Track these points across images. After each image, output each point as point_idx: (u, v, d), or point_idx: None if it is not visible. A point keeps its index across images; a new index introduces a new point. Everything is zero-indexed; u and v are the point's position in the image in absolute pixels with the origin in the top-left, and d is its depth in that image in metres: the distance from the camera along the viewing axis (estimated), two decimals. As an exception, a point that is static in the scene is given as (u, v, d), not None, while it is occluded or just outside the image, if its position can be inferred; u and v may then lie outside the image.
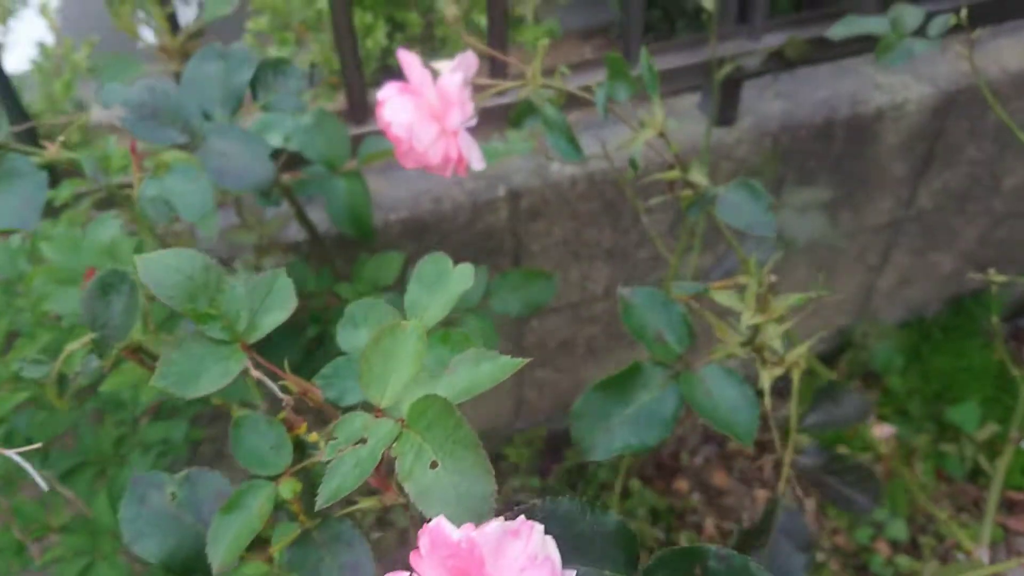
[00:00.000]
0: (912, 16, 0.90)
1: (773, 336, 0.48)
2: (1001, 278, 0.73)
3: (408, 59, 0.66)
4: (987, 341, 1.75)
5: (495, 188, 1.17)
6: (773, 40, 1.15)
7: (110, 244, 0.57)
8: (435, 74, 0.64)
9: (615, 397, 0.48)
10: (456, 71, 0.66)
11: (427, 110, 0.66)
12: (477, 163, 0.69)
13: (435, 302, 0.41)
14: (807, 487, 0.69)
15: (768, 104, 1.28)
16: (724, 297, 0.50)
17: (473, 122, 0.70)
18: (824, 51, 1.17)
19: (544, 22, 1.74)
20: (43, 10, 1.48)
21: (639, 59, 1.12)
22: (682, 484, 1.61)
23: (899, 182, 1.45)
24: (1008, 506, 1.53)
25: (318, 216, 1.04)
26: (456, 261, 1.24)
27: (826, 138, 1.30)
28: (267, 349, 1.06)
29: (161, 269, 0.37)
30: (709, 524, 1.53)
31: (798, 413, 0.68)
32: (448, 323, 1.06)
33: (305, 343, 1.01)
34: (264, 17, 1.41)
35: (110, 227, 0.54)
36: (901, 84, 1.33)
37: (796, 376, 0.68)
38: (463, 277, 0.42)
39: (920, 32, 0.93)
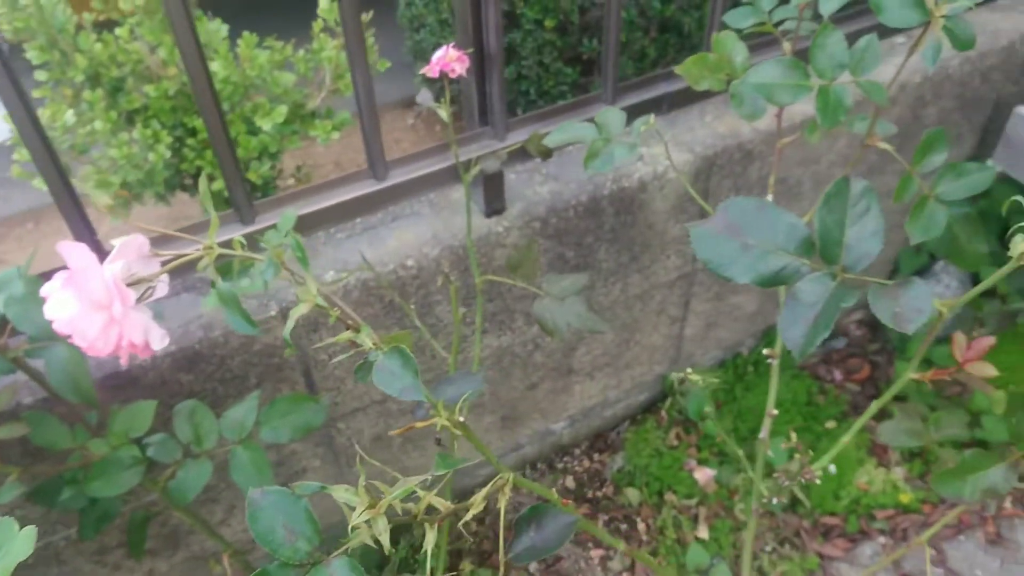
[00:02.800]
0: (616, 120, 0.95)
1: (381, 531, 0.50)
2: (696, 377, 0.77)
3: (68, 249, 0.66)
4: (796, 372, 1.84)
5: (267, 307, 1.17)
6: (519, 136, 1.19)
7: None
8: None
9: (252, 603, 0.49)
10: (114, 261, 0.66)
11: (91, 301, 0.65)
12: (158, 342, 0.69)
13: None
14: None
15: (536, 188, 1.33)
16: (340, 494, 0.52)
17: (164, 292, 0.71)
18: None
19: (337, 114, 1.76)
20: None
21: (385, 176, 1.15)
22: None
23: (680, 240, 1.52)
24: (824, 532, 1.61)
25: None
26: (241, 383, 1.22)
27: (595, 214, 1.35)
28: (37, 498, 1.02)
29: None
30: (546, 595, 1.55)
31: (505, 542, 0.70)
32: (214, 456, 1.05)
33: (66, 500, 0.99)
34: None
35: None
36: (662, 154, 1.40)
37: (502, 504, 0.70)
38: (26, 541, 0.42)
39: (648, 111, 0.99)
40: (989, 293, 1.92)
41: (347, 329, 0.68)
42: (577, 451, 1.78)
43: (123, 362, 0.67)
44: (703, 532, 1.60)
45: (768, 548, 1.60)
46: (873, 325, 2.01)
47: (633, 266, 1.50)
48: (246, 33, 1.60)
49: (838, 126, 0.78)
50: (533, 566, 1.59)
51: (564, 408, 1.71)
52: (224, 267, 0.82)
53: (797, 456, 0.86)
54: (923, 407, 1.66)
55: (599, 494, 1.70)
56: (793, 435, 0.86)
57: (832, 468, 1.66)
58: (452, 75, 1.00)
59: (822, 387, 1.83)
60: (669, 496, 1.66)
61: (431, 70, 1.01)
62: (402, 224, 1.28)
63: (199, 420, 1.04)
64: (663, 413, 1.78)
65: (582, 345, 1.59)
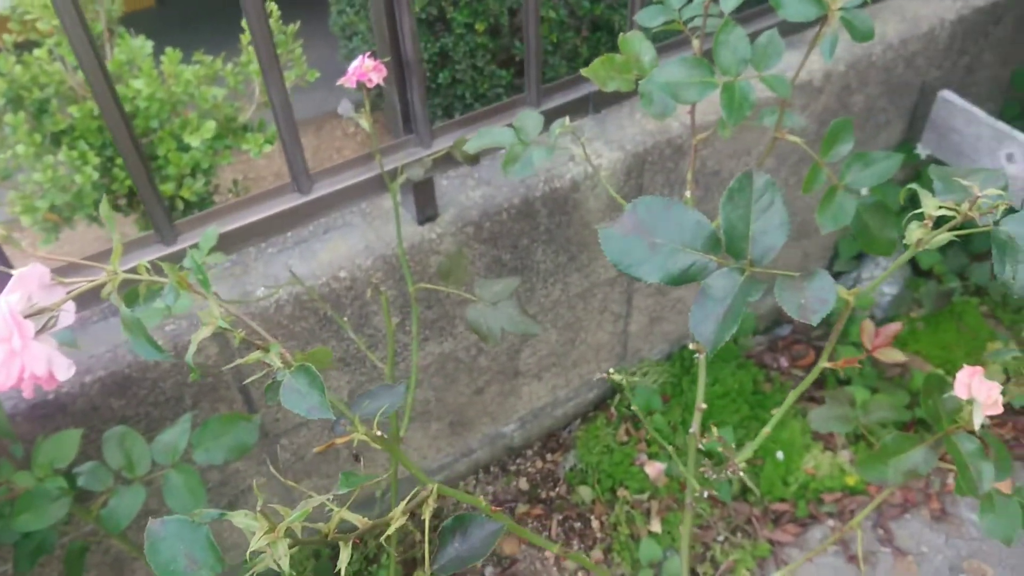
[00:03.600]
0: (533, 123, 0.95)
1: (281, 556, 0.49)
2: (619, 377, 0.78)
3: (-36, 283, 0.64)
4: (742, 361, 1.86)
5: (197, 327, 1.15)
6: (445, 142, 1.19)
7: None
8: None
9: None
10: (11, 292, 0.64)
11: (-11, 335, 0.64)
12: (63, 373, 0.67)
13: None
14: None
15: (469, 193, 1.32)
16: (239, 519, 0.51)
17: (69, 320, 0.69)
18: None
19: (270, 127, 1.74)
20: None
21: (310, 189, 1.14)
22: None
23: (618, 238, 1.52)
24: (775, 519, 1.63)
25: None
26: (176, 406, 1.20)
27: (529, 216, 1.35)
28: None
29: None
30: (502, 598, 1.55)
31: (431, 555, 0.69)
32: (150, 482, 1.03)
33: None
34: None
35: None
36: (593, 153, 1.40)
37: (427, 515, 0.70)
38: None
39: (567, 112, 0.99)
40: (925, 274, 1.96)
41: (257, 349, 0.67)
42: (530, 452, 1.79)
43: (26, 394, 0.66)
44: (656, 526, 1.61)
45: (720, 538, 1.61)
46: (816, 311, 2.03)
47: (572, 265, 1.50)
48: (169, 49, 1.57)
49: (744, 121, 0.78)
50: (488, 569, 1.59)
51: (513, 410, 1.71)
52: (132, 292, 0.81)
53: (721, 449, 0.86)
54: (862, 390, 1.69)
55: (553, 494, 1.70)
56: (715, 429, 0.86)
57: (779, 455, 1.69)
58: (369, 85, 0.99)
59: (768, 375, 1.85)
60: (621, 492, 1.67)
61: (348, 80, 1.00)
62: (334, 236, 1.26)
63: (130, 446, 1.02)
64: (612, 410, 1.79)
65: (527, 347, 1.60)
